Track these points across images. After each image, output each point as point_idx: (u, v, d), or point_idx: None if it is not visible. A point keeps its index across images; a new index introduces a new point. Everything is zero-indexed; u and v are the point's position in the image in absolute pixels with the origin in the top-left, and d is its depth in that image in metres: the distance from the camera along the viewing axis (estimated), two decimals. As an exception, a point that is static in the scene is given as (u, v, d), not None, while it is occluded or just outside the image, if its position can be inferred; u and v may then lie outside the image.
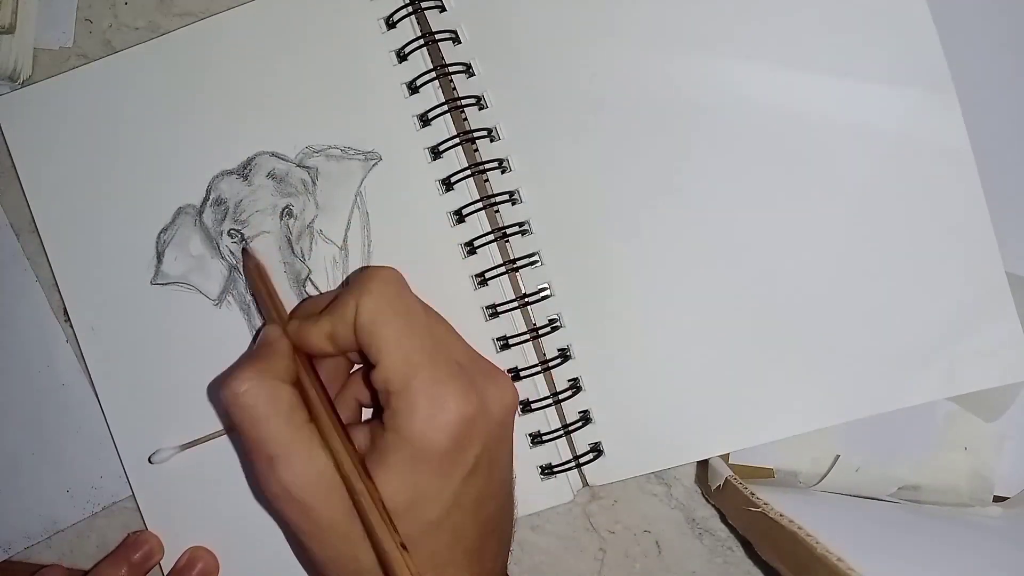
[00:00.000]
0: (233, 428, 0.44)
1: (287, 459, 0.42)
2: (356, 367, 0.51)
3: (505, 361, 0.51)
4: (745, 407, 0.50)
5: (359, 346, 0.44)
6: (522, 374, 0.51)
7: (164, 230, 0.54)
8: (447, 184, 0.52)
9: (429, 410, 0.42)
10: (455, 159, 0.52)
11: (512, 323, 0.51)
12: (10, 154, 0.55)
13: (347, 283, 0.52)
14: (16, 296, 0.56)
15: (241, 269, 0.53)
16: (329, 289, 0.53)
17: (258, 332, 0.53)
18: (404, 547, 0.40)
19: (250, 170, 0.53)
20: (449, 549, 0.43)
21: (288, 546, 0.53)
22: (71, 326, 0.55)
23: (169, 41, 0.54)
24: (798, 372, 0.50)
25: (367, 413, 0.51)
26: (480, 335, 0.51)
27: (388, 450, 0.42)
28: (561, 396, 0.51)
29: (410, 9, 0.52)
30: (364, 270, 0.47)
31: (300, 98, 0.53)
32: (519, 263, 0.51)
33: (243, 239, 0.53)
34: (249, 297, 0.54)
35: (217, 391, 0.44)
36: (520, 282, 0.52)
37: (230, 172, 0.53)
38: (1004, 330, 0.49)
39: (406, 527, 0.41)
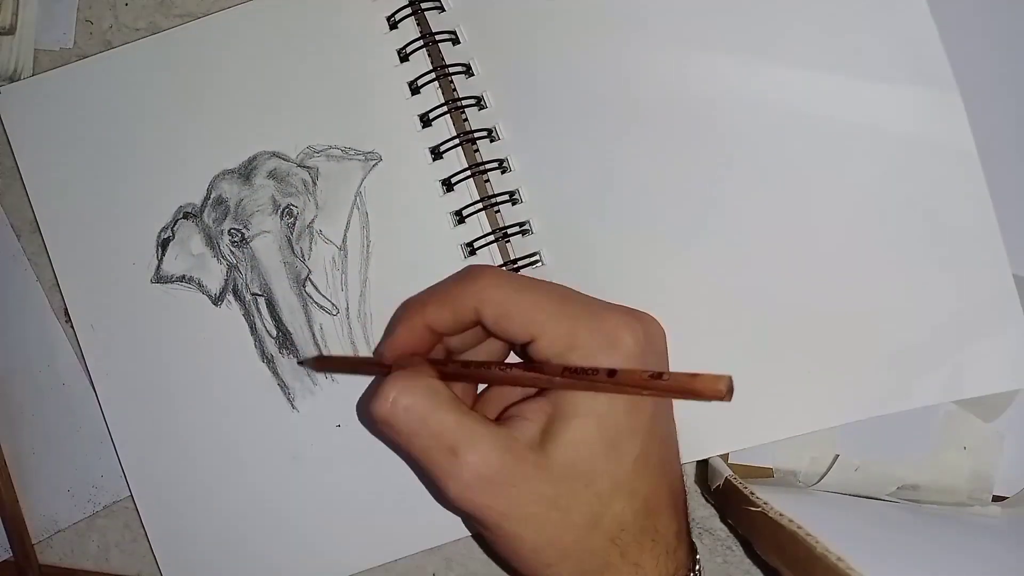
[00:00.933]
0: (401, 444, 0.43)
1: (470, 443, 0.40)
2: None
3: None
4: (745, 407, 0.50)
5: (497, 335, 0.44)
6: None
7: (164, 229, 0.54)
8: (448, 185, 0.52)
9: (605, 347, 0.41)
10: (456, 160, 0.52)
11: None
12: (12, 151, 0.55)
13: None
14: (17, 296, 0.56)
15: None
16: (329, 290, 0.53)
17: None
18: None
19: (251, 170, 0.53)
20: (657, 491, 0.43)
21: (287, 547, 0.53)
22: (72, 326, 0.55)
23: (171, 38, 0.55)
24: (800, 373, 0.50)
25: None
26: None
27: (575, 402, 0.41)
28: (561, 396, 0.51)
29: (410, 10, 0.52)
30: (461, 273, 0.46)
31: (301, 98, 0.53)
32: (520, 263, 0.51)
33: (243, 238, 0.53)
34: (249, 296, 0.54)
35: (371, 411, 0.42)
36: (520, 282, 0.52)
37: (231, 171, 0.54)
38: (1011, 333, 0.48)
39: (615, 469, 0.41)
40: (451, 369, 0.45)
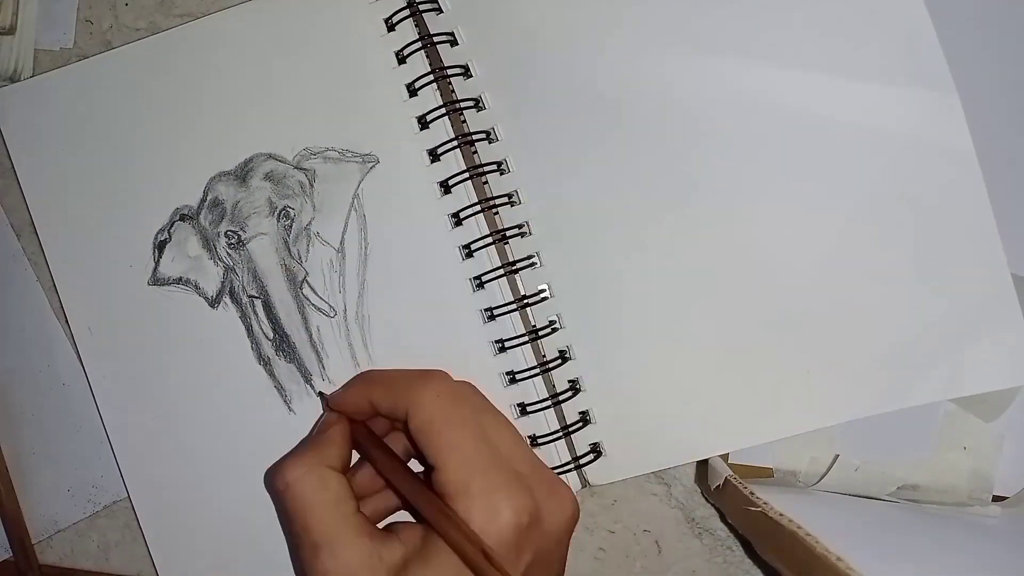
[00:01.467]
0: (282, 517, 0.46)
1: (331, 547, 0.43)
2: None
3: (502, 364, 0.51)
4: (745, 407, 0.50)
5: (416, 442, 0.45)
6: (518, 377, 0.51)
7: (161, 231, 0.54)
8: (445, 187, 0.52)
9: (484, 516, 0.42)
10: (453, 162, 0.52)
11: (511, 325, 0.52)
12: (7, 150, 0.55)
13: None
14: (16, 296, 0.57)
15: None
16: (326, 292, 0.53)
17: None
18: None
19: (247, 172, 0.53)
20: None
21: (285, 548, 0.53)
22: (71, 327, 0.55)
23: (167, 39, 0.55)
24: (799, 372, 0.50)
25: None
26: (478, 338, 0.51)
27: (442, 550, 0.42)
28: (561, 397, 0.51)
29: (408, 11, 0.52)
30: (420, 374, 0.48)
31: (299, 100, 0.53)
32: (518, 265, 0.51)
33: (240, 240, 0.53)
34: (246, 298, 0.54)
35: (270, 479, 0.45)
36: (519, 284, 0.52)
37: (227, 173, 0.54)
38: (1010, 332, 0.48)
39: None
40: (367, 448, 0.47)
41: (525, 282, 0.52)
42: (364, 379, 0.49)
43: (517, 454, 0.46)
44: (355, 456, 0.50)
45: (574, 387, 0.52)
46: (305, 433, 0.53)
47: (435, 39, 0.52)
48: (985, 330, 0.48)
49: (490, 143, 0.52)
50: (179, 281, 0.54)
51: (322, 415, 0.52)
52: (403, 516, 0.50)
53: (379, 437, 0.48)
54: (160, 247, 0.54)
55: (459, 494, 0.42)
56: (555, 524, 0.45)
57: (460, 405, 0.46)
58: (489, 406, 0.48)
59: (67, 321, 0.55)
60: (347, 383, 0.51)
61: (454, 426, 0.44)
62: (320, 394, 0.53)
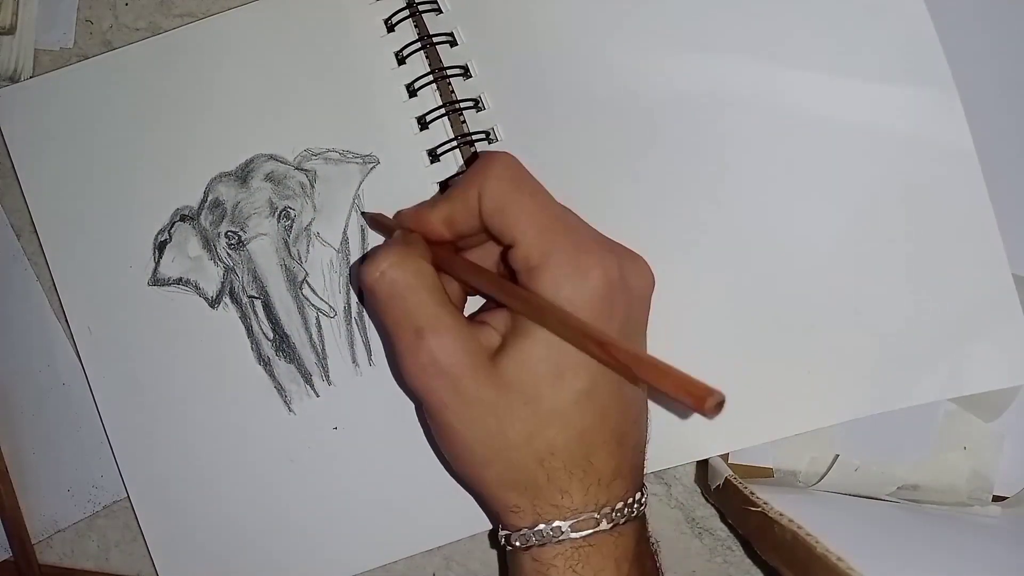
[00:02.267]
0: (377, 313, 0.45)
1: (436, 330, 0.42)
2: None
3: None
4: (745, 407, 0.50)
5: (490, 231, 0.44)
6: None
7: (161, 231, 0.54)
8: (445, 187, 0.52)
9: (573, 276, 0.42)
10: (453, 162, 0.52)
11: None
12: (7, 150, 0.55)
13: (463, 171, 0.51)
14: (17, 296, 0.56)
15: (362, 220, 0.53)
16: (327, 292, 0.53)
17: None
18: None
19: (248, 172, 0.53)
20: (597, 427, 0.43)
21: (285, 550, 0.53)
22: (71, 326, 0.55)
23: (168, 40, 0.55)
24: (799, 372, 0.50)
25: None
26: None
27: (532, 329, 0.42)
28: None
29: (408, 12, 0.52)
30: (480, 157, 0.47)
31: (299, 100, 0.53)
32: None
33: (240, 241, 0.53)
34: (246, 299, 0.54)
35: (361, 274, 0.44)
36: (518, 284, 0.52)
37: (228, 174, 0.54)
38: (1010, 331, 0.48)
39: (556, 396, 0.42)
40: (448, 258, 0.46)
41: (525, 282, 0.52)
42: (437, 197, 0.48)
43: (586, 227, 0.46)
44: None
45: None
46: (303, 434, 0.53)
47: (434, 39, 0.52)
48: (985, 330, 0.49)
49: (489, 143, 0.52)
50: (179, 281, 0.54)
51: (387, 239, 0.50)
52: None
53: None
54: (160, 247, 0.54)
55: (544, 261, 0.42)
56: (639, 286, 0.45)
57: (528, 179, 0.45)
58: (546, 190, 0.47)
59: (67, 321, 0.55)
60: (418, 205, 0.49)
61: (527, 196, 0.44)
62: (364, 214, 0.53)
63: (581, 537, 0.43)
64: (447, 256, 0.46)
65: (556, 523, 0.42)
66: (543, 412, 0.42)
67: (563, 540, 0.42)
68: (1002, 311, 0.48)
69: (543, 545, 0.43)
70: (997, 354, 0.49)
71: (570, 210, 0.46)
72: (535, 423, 0.42)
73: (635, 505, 0.45)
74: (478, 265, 0.46)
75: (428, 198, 0.51)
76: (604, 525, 0.43)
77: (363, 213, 0.53)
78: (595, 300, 0.42)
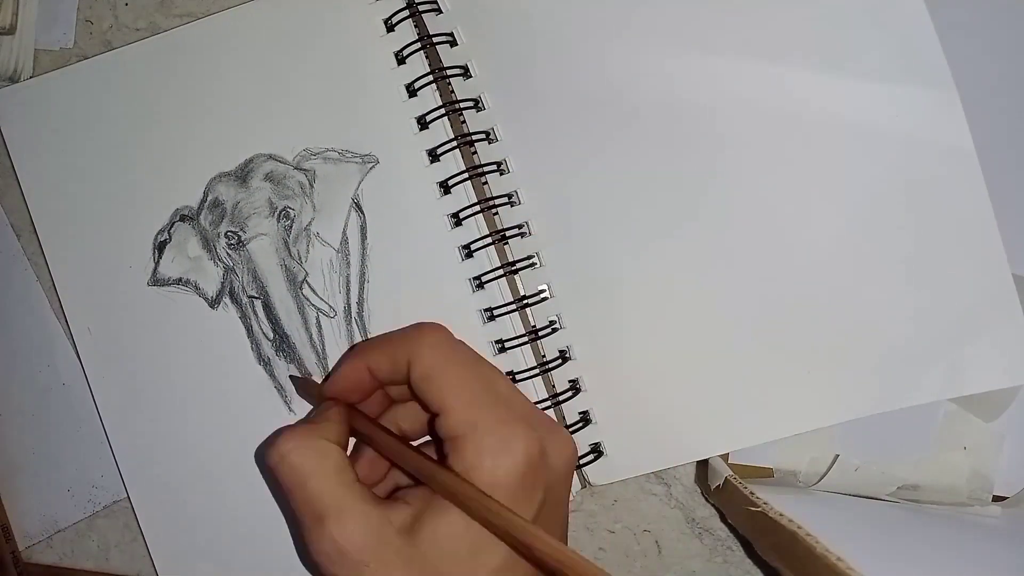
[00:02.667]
0: (282, 494, 0.44)
1: (338, 515, 0.41)
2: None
3: (502, 364, 0.51)
4: (745, 407, 0.50)
5: (417, 396, 0.44)
6: (518, 377, 0.51)
7: (161, 231, 0.54)
8: (445, 187, 0.52)
9: (497, 449, 0.41)
10: (453, 162, 0.52)
11: (511, 326, 0.52)
12: (7, 151, 0.55)
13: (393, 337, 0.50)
14: (17, 296, 0.57)
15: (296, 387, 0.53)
16: (326, 292, 0.53)
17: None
18: None
19: (247, 172, 0.53)
20: None
21: (284, 550, 0.53)
22: (70, 326, 0.55)
23: (168, 40, 0.55)
24: (799, 372, 0.50)
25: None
26: (478, 338, 0.51)
27: (450, 506, 0.41)
28: (561, 397, 0.51)
29: (408, 12, 0.52)
30: (415, 326, 0.48)
31: (298, 100, 0.53)
32: (518, 265, 0.51)
33: (240, 241, 0.53)
34: (246, 299, 0.54)
35: (265, 456, 0.44)
36: (519, 284, 0.52)
37: (227, 174, 0.54)
38: (1010, 331, 0.48)
39: (473, 573, 0.41)
40: (368, 430, 0.46)
41: (525, 282, 0.52)
42: (356, 352, 0.47)
43: (515, 397, 0.46)
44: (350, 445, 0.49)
45: (574, 387, 0.52)
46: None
47: (434, 39, 0.52)
48: (985, 330, 0.49)
49: (489, 143, 0.52)
50: (179, 282, 0.54)
51: (312, 408, 0.51)
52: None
53: (373, 417, 0.47)
54: (160, 248, 0.54)
55: (468, 432, 0.42)
56: (560, 461, 0.45)
57: (459, 349, 0.45)
58: (480, 356, 0.47)
59: (67, 321, 0.55)
60: (337, 365, 0.49)
61: (457, 366, 0.44)
62: (293, 379, 0.53)
63: None
64: (367, 427, 0.46)
65: None
66: None
67: None
68: (1002, 311, 0.48)
69: None
70: (997, 354, 0.49)
71: (500, 377, 0.46)
72: None
73: None
74: (398, 440, 0.45)
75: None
76: None
77: (292, 377, 0.53)
78: (516, 476, 0.41)
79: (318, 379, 0.53)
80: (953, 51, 0.48)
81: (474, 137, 0.52)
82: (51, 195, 0.55)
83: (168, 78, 0.54)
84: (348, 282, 0.53)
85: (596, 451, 0.51)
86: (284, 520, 0.53)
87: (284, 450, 0.42)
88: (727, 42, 0.50)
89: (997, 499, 0.51)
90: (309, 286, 0.53)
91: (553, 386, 0.52)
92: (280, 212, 0.53)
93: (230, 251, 0.54)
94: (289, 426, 0.44)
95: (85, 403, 0.55)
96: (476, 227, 0.52)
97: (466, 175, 0.51)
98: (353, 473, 0.43)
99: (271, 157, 0.53)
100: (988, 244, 0.48)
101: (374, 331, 0.53)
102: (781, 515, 0.43)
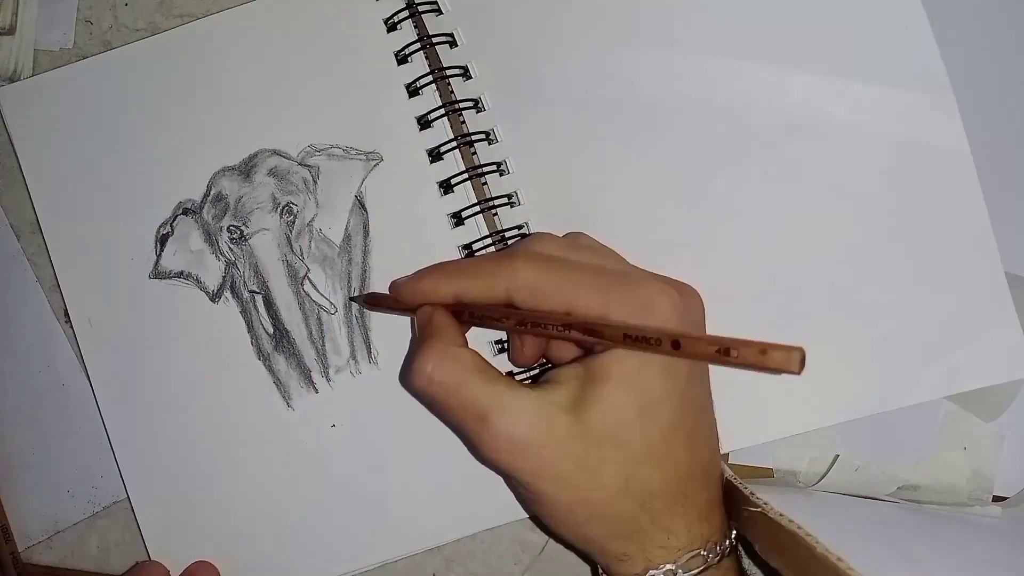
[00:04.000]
0: (439, 412, 0.45)
1: (501, 410, 0.42)
2: None
3: (503, 364, 0.51)
4: (746, 407, 0.50)
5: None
6: (519, 377, 0.51)
7: (164, 224, 0.54)
8: (446, 186, 0.52)
9: (640, 314, 0.41)
10: (454, 162, 0.52)
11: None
12: (13, 149, 0.55)
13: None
14: (16, 296, 0.56)
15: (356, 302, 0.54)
16: (327, 289, 0.53)
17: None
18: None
19: (251, 167, 0.54)
20: (689, 459, 0.43)
21: (283, 546, 0.53)
22: (71, 326, 0.55)
23: (174, 37, 0.55)
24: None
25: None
26: (478, 339, 0.51)
27: (614, 364, 0.42)
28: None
29: (408, 12, 0.52)
30: (504, 255, 0.47)
31: (304, 97, 0.54)
32: (517, 265, 0.51)
33: (242, 235, 0.53)
34: (247, 293, 0.54)
35: (410, 383, 0.44)
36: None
37: (231, 169, 0.54)
38: (1003, 329, 0.49)
39: (645, 435, 0.41)
40: (496, 316, 0.45)
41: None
42: (442, 273, 0.47)
43: (629, 264, 0.46)
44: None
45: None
46: (302, 431, 0.53)
47: (434, 40, 0.52)
48: (980, 327, 0.49)
49: (489, 144, 0.52)
50: (180, 275, 0.54)
51: (418, 315, 0.48)
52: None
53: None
54: (162, 240, 0.54)
55: (607, 313, 0.42)
56: (696, 307, 0.45)
57: (548, 260, 0.44)
58: (572, 243, 0.47)
59: (68, 321, 0.55)
60: (417, 276, 0.48)
61: (564, 267, 0.44)
62: (358, 297, 0.53)
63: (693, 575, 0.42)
64: (502, 316, 0.45)
65: (666, 566, 0.42)
66: (635, 454, 0.42)
67: None
68: (995, 309, 0.49)
69: None
70: (991, 351, 0.49)
71: (610, 252, 0.46)
72: (630, 467, 0.42)
73: (732, 535, 0.45)
74: (553, 318, 0.44)
75: (429, 264, 0.49)
76: (712, 560, 0.43)
77: (353, 298, 0.53)
78: (675, 315, 0.42)
79: (318, 376, 0.53)
80: (949, 54, 0.49)
81: (474, 138, 0.52)
82: (55, 189, 0.55)
83: (173, 75, 0.55)
84: (349, 279, 0.53)
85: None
86: (283, 517, 0.53)
87: (428, 371, 0.43)
88: (726, 44, 0.51)
89: (997, 499, 0.51)
90: (310, 282, 0.53)
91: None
92: (283, 207, 0.53)
93: (232, 245, 0.54)
94: (419, 347, 0.44)
95: (85, 404, 0.55)
96: (477, 227, 0.52)
97: (466, 175, 0.51)
98: (495, 369, 0.44)
99: (275, 152, 0.53)
100: (982, 243, 0.49)
101: (375, 329, 0.53)
102: (781, 515, 0.42)
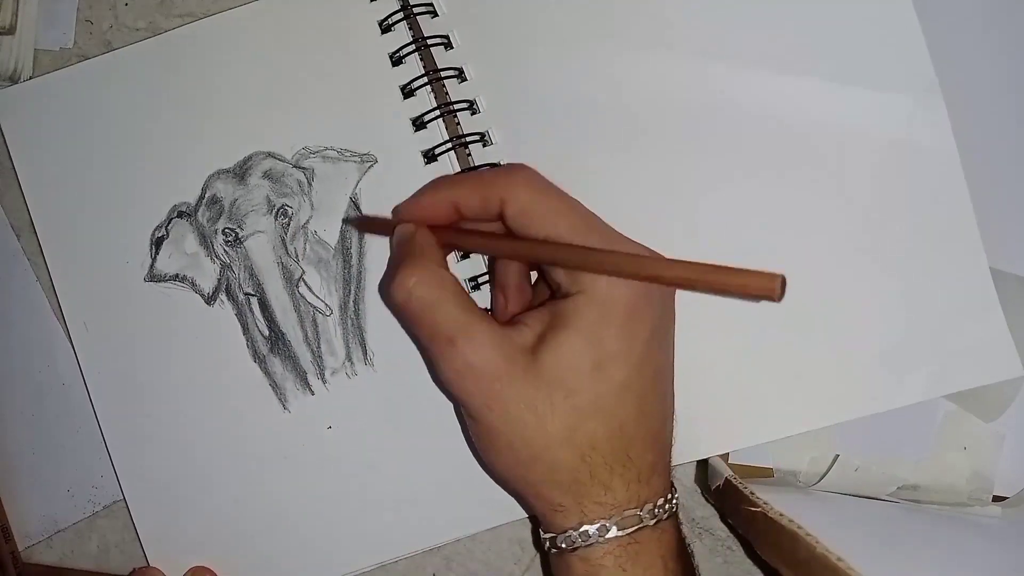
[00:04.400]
0: (410, 327, 0.46)
1: (468, 336, 0.43)
2: None
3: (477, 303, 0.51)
4: (745, 407, 0.50)
5: (516, 231, 0.45)
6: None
7: (158, 227, 0.54)
8: (441, 185, 0.52)
9: None
10: (449, 163, 0.52)
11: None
12: (7, 149, 0.55)
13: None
14: (16, 296, 0.57)
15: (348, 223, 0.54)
16: (323, 291, 0.53)
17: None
18: None
19: (246, 169, 0.53)
20: (636, 420, 0.43)
21: (280, 549, 0.53)
22: (67, 322, 0.55)
23: (168, 40, 0.55)
24: (798, 372, 0.50)
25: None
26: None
27: (572, 314, 0.43)
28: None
29: (403, 14, 0.52)
30: (501, 169, 0.48)
31: (298, 99, 0.53)
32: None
33: (237, 238, 0.53)
34: (242, 296, 0.54)
35: (388, 295, 0.45)
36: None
37: (226, 171, 0.54)
38: (991, 328, 0.49)
39: (596, 387, 0.42)
40: (465, 238, 0.47)
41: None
42: (441, 185, 0.48)
43: (608, 227, 0.46)
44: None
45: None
46: (298, 432, 0.53)
47: (429, 42, 0.52)
48: (967, 327, 0.49)
49: (484, 146, 0.52)
50: (176, 278, 0.54)
51: (395, 233, 0.49)
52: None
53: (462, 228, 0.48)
54: (157, 244, 0.54)
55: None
56: None
57: (551, 184, 0.45)
58: None
59: (64, 317, 0.55)
60: (416, 193, 0.49)
61: (555, 199, 0.44)
62: (351, 219, 0.53)
63: (627, 535, 0.43)
64: (471, 242, 0.47)
65: (601, 522, 0.43)
66: (583, 405, 0.42)
67: (609, 539, 0.43)
68: (982, 309, 0.49)
69: (590, 545, 0.43)
70: (979, 351, 0.49)
71: (593, 213, 0.46)
72: (576, 416, 0.42)
73: (673, 500, 0.45)
74: (513, 236, 0.45)
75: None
76: (648, 521, 0.43)
77: (347, 220, 0.53)
78: (633, 287, 0.42)
79: (314, 378, 0.53)
80: (937, 53, 0.49)
81: (469, 139, 0.52)
82: (50, 191, 0.55)
83: (168, 76, 0.54)
84: (344, 281, 0.53)
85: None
86: (280, 518, 0.54)
87: (409, 285, 0.44)
88: (718, 47, 0.51)
89: (997, 499, 0.51)
90: (305, 284, 0.53)
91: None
92: (278, 210, 0.53)
93: (227, 248, 0.54)
94: (403, 261, 0.45)
95: (85, 403, 0.55)
96: (472, 228, 0.52)
97: (462, 176, 0.51)
98: (471, 299, 0.45)
99: (270, 155, 0.53)
100: (968, 243, 0.49)
101: (370, 331, 0.53)
102: (781, 515, 0.43)
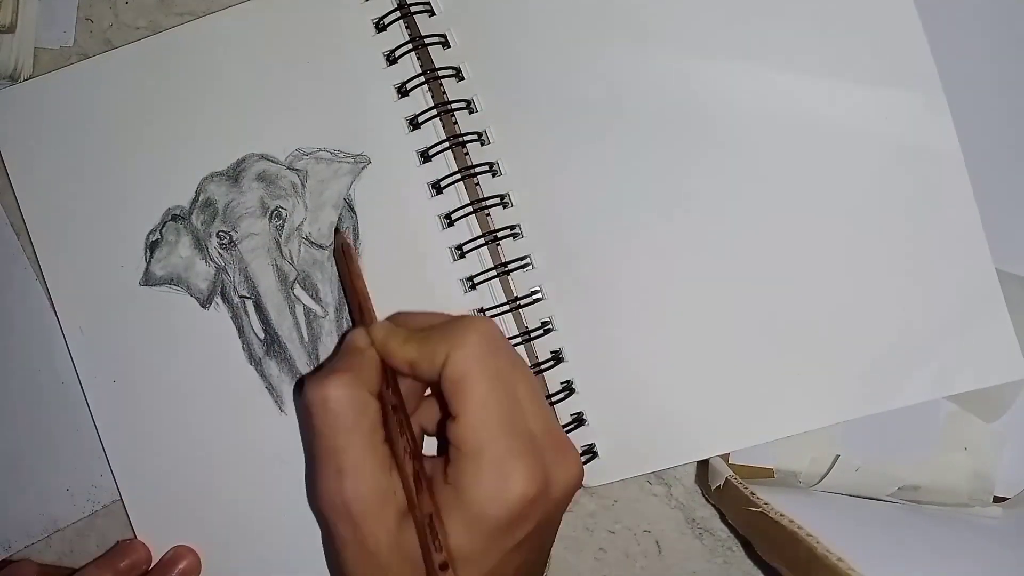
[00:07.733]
0: (310, 430, 0.45)
1: (357, 475, 0.42)
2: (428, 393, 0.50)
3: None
4: (745, 407, 0.50)
5: (442, 392, 0.44)
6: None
7: (153, 231, 0.54)
8: (437, 188, 0.52)
9: (494, 483, 0.41)
10: (444, 163, 0.52)
11: (503, 327, 0.51)
12: (0, 152, 0.55)
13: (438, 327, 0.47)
14: (16, 295, 0.57)
15: (333, 252, 0.53)
16: (321, 292, 0.53)
17: (343, 336, 0.53)
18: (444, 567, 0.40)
19: (239, 172, 0.53)
20: None
21: (276, 550, 0.54)
22: (62, 326, 0.55)
23: (160, 41, 0.55)
24: (798, 372, 0.50)
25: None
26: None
27: (444, 505, 0.42)
28: (554, 399, 0.51)
29: (399, 13, 0.52)
30: (463, 319, 0.46)
31: (291, 100, 0.53)
32: (510, 266, 0.51)
33: (231, 241, 0.53)
34: (237, 299, 0.54)
35: (306, 390, 0.44)
36: (512, 285, 0.52)
37: (219, 174, 0.54)
38: (995, 330, 0.49)
39: None
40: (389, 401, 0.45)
41: (518, 283, 0.52)
42: (399, 340, 0.46)
43: (533, 411, 0.45)
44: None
45: (567, 388, 0.51)
46: (294, 434, 0.53)
47: (426, 40, 0.52)
48: (971, 328, 0.49)
49: (482, 145, 0.52)
50: (170, 281, 0.54)
51: (347, 330, 0.49)
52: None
53: (401, 397, 0.46)
54: (152, 247, 0.54)
55: (473, 455, 0.42)
56: (560, 489, 0.44)
57: (497, 357, 0.44)
58: (517, 362, 0.46)
59: (60, 322, 0.55)
60: (391, 330, 0.47)
61: (485, 382, 0.43)
62: (336, 231, 0.53)
63: None
64: (391, 401, 0.45)
65: None
66: None
67: None
68: (987, 310, 0.49)
69: None
70: (983, 351, 0.49)
71: (528, 392, 0.45)
72: None
73: None
74: (403, 432, 0.44)
75: (400, 315, 0.50)
76: None
77: (337, 231, 0.53)
78: (509, 509, 0.41)
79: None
80: (940, 54, 0.49)
81: (466, 139, 0.51)
82: (43, 195, 0.55)
83: (160, 77, 0.54)
84: (339, 283, 0.53)
85: (590, 452, 0.51)
86: (275, 521, 0.54)
87: (329, 395, 0.43)
88: (718, 45, 0.50)
89: (998, 500, 0.51)
90: (300, 286, 0.53)
91: (546, 387, 0.51)
92: (272, 212, 0.53)
93: (222, 251, 0.54)
94: (332, 367, 0.44)
95: (84, 403, 0.55)
96: (468, 228, 0.51)
97: (458, 176, 0.51)
98: (383, 432, 0.44)
99: (263, 157, 0.53)
100: (973, 244, 0.49)
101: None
102: (782, 515, 0.43)
